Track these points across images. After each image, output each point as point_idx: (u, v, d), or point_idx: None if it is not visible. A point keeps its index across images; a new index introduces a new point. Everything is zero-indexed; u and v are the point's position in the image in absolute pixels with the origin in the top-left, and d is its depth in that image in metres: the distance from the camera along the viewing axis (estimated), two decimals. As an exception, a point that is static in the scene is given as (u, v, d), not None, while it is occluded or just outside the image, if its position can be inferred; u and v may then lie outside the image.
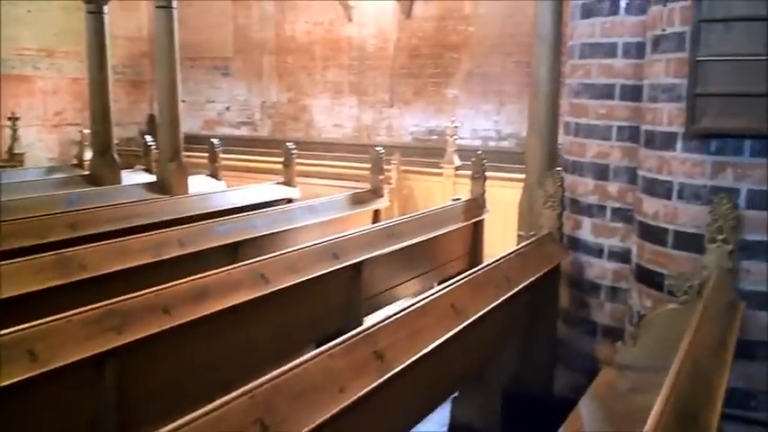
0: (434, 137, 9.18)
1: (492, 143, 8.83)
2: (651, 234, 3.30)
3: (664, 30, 3.16)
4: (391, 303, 4.36)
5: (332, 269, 3.43)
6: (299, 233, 4.66)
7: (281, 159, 8.13)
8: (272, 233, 4.40)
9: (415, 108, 9.29)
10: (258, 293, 2.95)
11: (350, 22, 9.56)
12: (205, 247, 3.87)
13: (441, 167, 7.17)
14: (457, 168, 7.10)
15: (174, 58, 5.79)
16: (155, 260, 3.54)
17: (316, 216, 4.81)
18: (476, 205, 5.12)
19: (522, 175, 6.89)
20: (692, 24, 2.96)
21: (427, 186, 7.30)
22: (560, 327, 4.14)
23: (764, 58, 2.81)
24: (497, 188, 6.80)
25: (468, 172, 7.11)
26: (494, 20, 8.63)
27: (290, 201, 5.99)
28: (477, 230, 5.15)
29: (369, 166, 7.49)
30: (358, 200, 5.34)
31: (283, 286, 3.08)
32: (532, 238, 3.73)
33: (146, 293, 2.60)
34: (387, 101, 9.47)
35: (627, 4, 3.64)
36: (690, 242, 3.12)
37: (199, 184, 6.29)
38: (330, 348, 2.02)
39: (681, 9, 3.06)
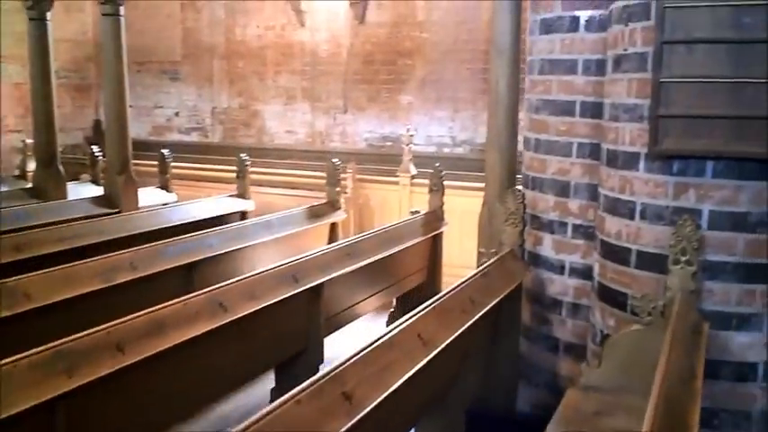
0: (389, 143, 9.11)
1: (446, 149, 8.81)
2: (614, 253, 3.30)
3: (625, 49, 3.16)
4: (352, 321, 4.29)
5: (292, 293, 3.33)
6: (255, 250, 4.54)
7: (234, 168, 7.98)
8: (229, 251, 4.26)
9: (370, 114, 9.21)
10: (217, 323, 2.84)
11: (302, 26, 9.41)
12: (159, 270, 3.71)
13: (397, 176, 7.10)
14: (413, 177, 7.05)
15: (122, 67, 5.59)
16: (106, 286, 3.38)
17: (272, 232, 4.69)
18: (434, 218, 5.07)
19: (479, 184, 6.97)
20: (654, 45, 2.96)
21: (384, 195, 7.23)
22: (522, 343, 4.12)
23: (726, 80, 2.82)
24: (454, 197, 6.79)
25: (425, 181, 7.14)
26: (447, 26, 8.60)
27: (244, 214, 5.86)
28: (435, 243, 5.10)
29: (324, 174, 7.42)
30: (314, 213, 5.24)
31: (243, 314, 2.97)
32: (494, 257, 3.69)
33: (97, 331, 2.46)
34: (340, 107, 9.37)
35: (586, 21, 3.63)
36: (653, 262, 3.13)
37: (149, 196, 6.10)
38: (298, 393, 1.93)
39: (642, 29, 3.06)
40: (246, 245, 4.40)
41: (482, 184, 6.88)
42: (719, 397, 3.02)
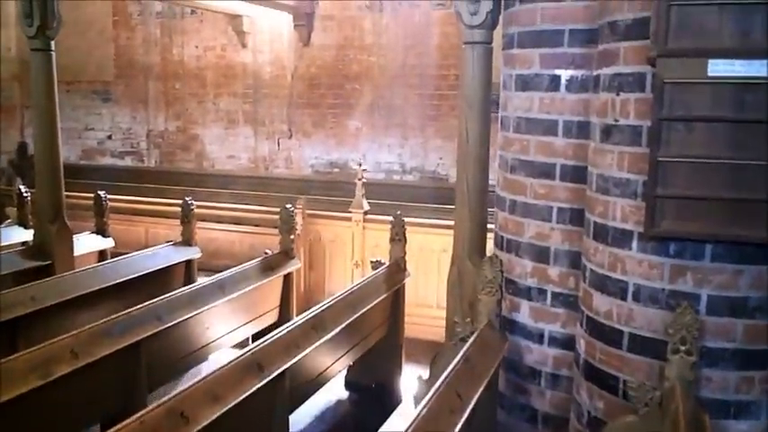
0: (336, 170, 8.83)
1: (396, 177, 8.59)
2: (603, 333, 3.10)
3: (616, 120, 2.96)
4: (316, 391, 4.00)
5: (258, 385, 3.01)
6: (208, 315, 4.19)
7: (175, 202, 7.54)
8: (180, 322, 3.89)
9: (316, 140, 8.90)
10: (179, 439, 2.50)
11: (244, 47, 9.03)
12: (103, 354, 3.32)
13: (349, 212, 6.81)
14: (366, 213, 6.77)
15: (54, 106, 5.10)
16: (44, 382, 2.98)
17: (225, 292, 4.33)
18: (397, 270, 4.82)
19: (436, 220, 6.77)
20: (650, 121, 2.77)
21: (336, 231, 6.93)
22: (499, 412, 3.90)
23: (726, 160, 2.66)
24: (409, 234, 6.56)
25: (379, 217, 6.89)
26: (396, 50, 8.38)
27: (190, 263, 5.46)
28: (398, 296, 4.85)
29: (272, 209, 7.08)
30: (268, 266, 4.90)
31: (207, 422, 2.63)
32: (471, 330, 3.46)
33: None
34: (285, 131, 9.03)
35: (567, 80, 3.43)
36: (646, 347, 2.94)
37: (84, 243, 5.63)
38: None
39: (636, 101, 2.87)
40: (198, 311, 4.04)
41: (439, 221, 6.77)
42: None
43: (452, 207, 7.27)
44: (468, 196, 4.10)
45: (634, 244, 2.94)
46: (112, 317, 3.56)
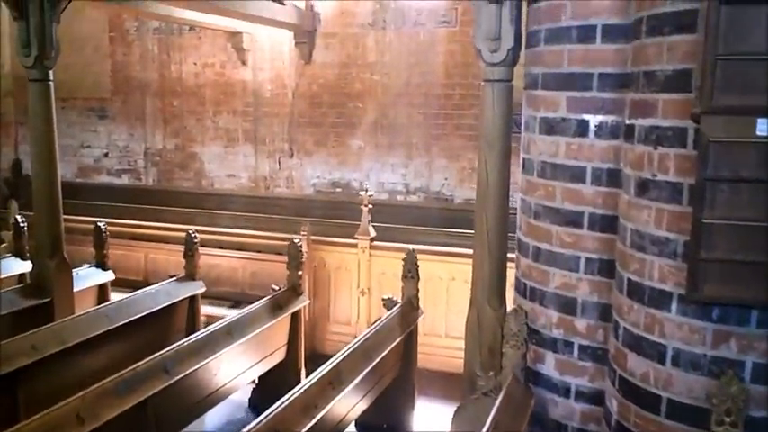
0: (338, 189, 8.66)
1: (400, 197, 8.43)
2: (638, 397, 2.95)
3: (654, 175, 2.81)
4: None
5: (277, 456, 2.84)
6: (217, 363, 4.01)
7: (177, 227, 7.37)
8: (188, 374, 3.72)
9: (317, 159, 8.72)
10: None
11: (244, 65, 8.85)
12: (110, 417, 3.15)
13: (355, 238, 6.65)
14: (372, 240, 6.61)
15: (53, 137, 4.91)
16: (49, 454, 2.81)
17: (233, 337, 4.17)
18: (410, 308, 4.66)
19: (445, 248, 6.61)
20: (692, 179, 2.62)
21: (341, 258, 6.76)
22: (521, 467, 3.74)
23: (775, 224, 2.51)
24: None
25: (385, 243, 6.74)
26: (399, 69, 8.21)
27: (194, 298, 5.29)
28: (411, 335, 4.68)
29: (276, 235, 6.93)
30: (276, 304, 4.74)
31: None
32: (497, 389, 3.30)
33: None
34: (286, 150, 8.85)
35: (597, 126, 3.27)
36: (687, 414, 2.79)
37: (84, 278, 5.44)
38: None
39: (676, 157, 2.72)
40: (207, 361, 3.87)
41: (447, 248, 6.61)
42: None
43: (459, 231, 7.23)
44: (487, 238, 3.93)
45: (674, 306, 2.79)
46: (117, 375, 3.39)
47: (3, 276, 5.57)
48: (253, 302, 6.74)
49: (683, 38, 2.66)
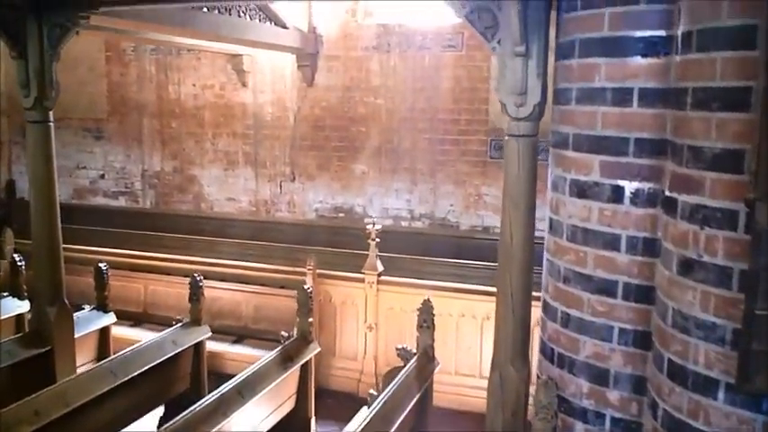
0: (341, 214, 8.50)
1: (404, 223, 8.27)
2: (681, 483, 2.80)
3: (700, 256, 2.66)
4: None
5: None
6: (230, 427, 3.84)
7: (178, 258, 7.21)
8: (201, 443, 3.55)
9: (320, 183, 8.56)
10: None
11: (244, 87, 8.67)
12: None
13: (362, 273, 6.48)
14: (380, 274, 6.45)
15: (53, 182, 4.72)
16: None
17: (244, 397, 3.99)
18: (426, 360, 4.50)
19: (453, 284, 6.46)
20: (745, 265, 2.47)
21: (347, 292, 6.61)
22: None
23: (834, 316, 2.37)
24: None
25: (393, 278, 6.57)
26: (404, 93, 8.06)
27: (199, 346, 5.11)
28: (428, 390, 4.53)
29: (282, 268, 6.77)
30: (287, 355, 4.57)
31: None
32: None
33: None
34: (287, 174, 8.67)
35: (632, 193, 3.12)
36: (733, 507, 2.65)
37: (85, 321, 5.26)
38: None
39: (726, 240, 2.57)
40: (218, 428, 3.69)
41: (457, 284, 6.46)
42: None
43: (468, 262, 7.08)
44: (511, 298, 3.80)
45: (721, 395, 2.64)
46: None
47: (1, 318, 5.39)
48: (256, 338, 6.67)
49: (735, 116, 2.51)
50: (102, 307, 5.48)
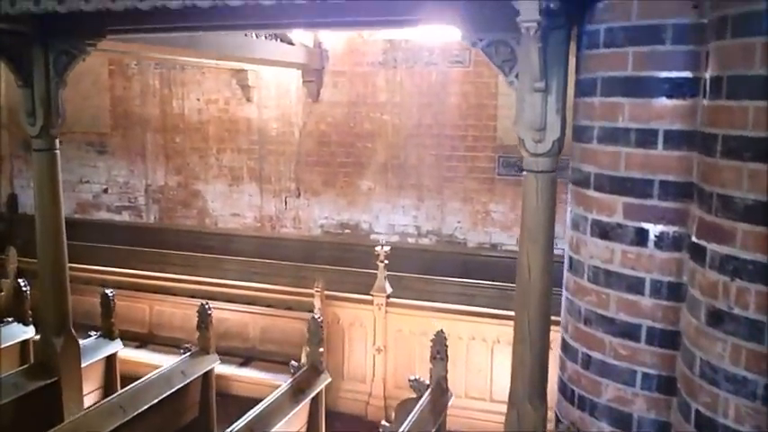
0: (347, 231, 8.42)
1: (411, 240, 8.20)
2: None
3: (730, 308, 2.59)
4: None
5: None
6: (240, 468, 3.77)
7: (183, 278, 7.14)
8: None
9: (325, 199, 8.48)
10: None
11: (248, 102, 8.60)
12: None
13: (371, 295, 6.41)
14: (389, 297, 6.38)
15: (60, 214, 4.63)
16: None
17: (257, 435, 3.92)
18: (440, 393, 4.43)
19: (465, 306, 6.38)
20: (779, 322, 2.40)
21: (355, 314, 6.53)
22: None
23: None
24: (427, 319, 6.22)
25: (402, 300, 6.50)
26: (410, 109, 7.99)
27: (208, 374, 5.04)
28: (443, 425, 4.45)
29: (290, 289, 6.70)
30: (298, 388, 4.50)
31: None
32: None
33: None
34: (293, 190, 8.60)
35: (657, 237, 3.04)
36: None
37: (92, 350, 5.19)
38: None
39: (758, 294, 2.50)
40: (231, 470, 3.63)
41: (467, 307, 6.38)
42: None
43: (477, 282, 7.01)
44: (529, 336, 3.71)
45: (753, 451, 2.57)
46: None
47: (6, 345, 5.32)
48: (264, 360, 6.60)
49: (768, 168, 2.44)
50: (109, 334, 5.40)
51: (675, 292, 3.02)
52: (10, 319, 5.65)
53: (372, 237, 8.13)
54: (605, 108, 3.16)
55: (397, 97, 8.00)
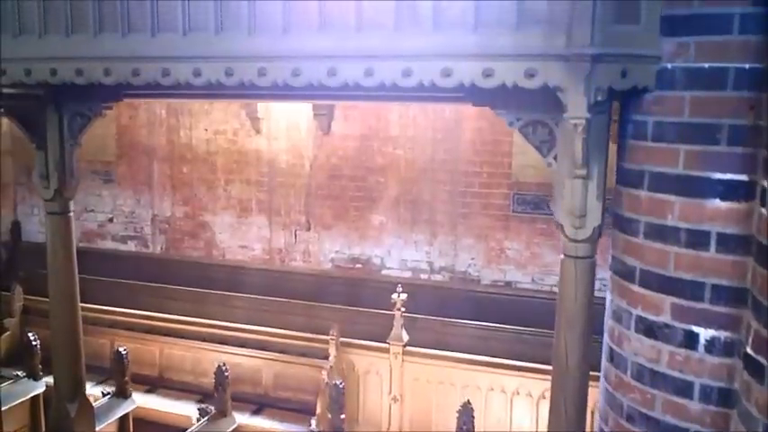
0: (359, 265, 8.30)
1: (423, 276, 8.08)
2: None
3: (795, 435, 2.47)
4: None
5: None
6: None
7: (194, 320, 7.02)
8: None
9: (336, 233, 8.36)
10: None
11: (258, 133, 8.46)
12: None
13: (387, 343, 6.28)
14: (405, 345, 6.25)
15: (74, 277, 4.51)
16: None
17: None
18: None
19: (483, 357, 6.25)
20: None
21: (371, 362, 6.39)
22: None
23: None
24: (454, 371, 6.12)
25: (419, 350, 6.37)
26: (424, 144, 7.87)
27: (226, 440, 4.91)
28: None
29: (305, 335, 6.59)
30: (320, 457, 4.37)
31: None
32: None
33: None
34: (303, 223, 8.47)
35: (708, 341, 2.91)
36: None
37: (105, 411, 5.05)
38: None
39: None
40: None
41: (485, 357, 6.25)
42: None
43: (495, 325, 6.88)
44: (565, 420, 3.60)
45: None
46: None
47: (17, 402, 5.19)
48: (277, 407, 6.48)
49: (841, 292, 2.32)
50: (122, 393, 5.27)
51: (726, 398, 2.90)
52: (21, 374, 5.51)
53: (384, 272, 8.02)
54: (653, 204, 3.03)
55: (410, 131, 7.88)
